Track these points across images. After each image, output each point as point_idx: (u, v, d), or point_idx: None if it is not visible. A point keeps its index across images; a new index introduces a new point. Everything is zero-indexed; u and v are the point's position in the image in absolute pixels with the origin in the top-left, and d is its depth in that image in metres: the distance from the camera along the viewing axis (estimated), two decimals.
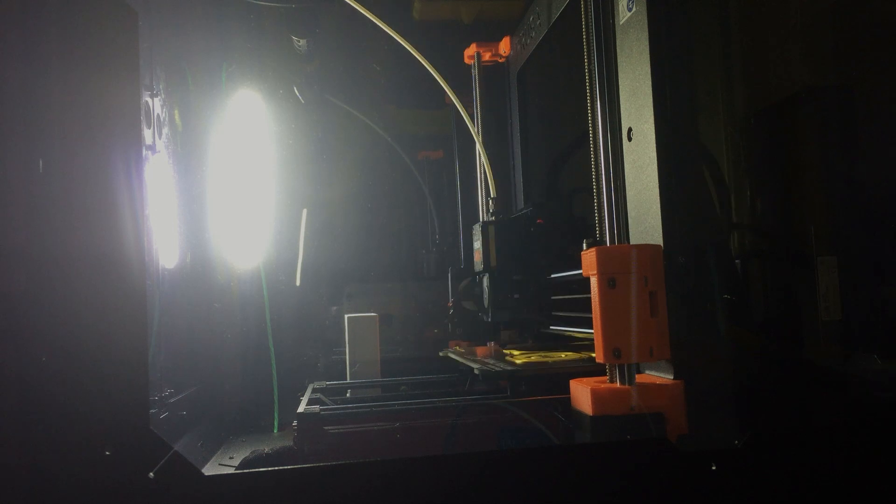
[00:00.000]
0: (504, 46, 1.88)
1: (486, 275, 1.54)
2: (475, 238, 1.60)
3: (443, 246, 2.11)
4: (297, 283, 1.89)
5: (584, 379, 0.98)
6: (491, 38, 1.89)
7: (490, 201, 1.61)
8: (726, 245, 1.19)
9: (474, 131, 1.65)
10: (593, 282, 0.94)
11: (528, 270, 1.51)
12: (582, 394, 0.94)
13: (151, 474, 0.73)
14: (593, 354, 1.29)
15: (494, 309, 1.52)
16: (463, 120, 1.57)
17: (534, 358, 1.27)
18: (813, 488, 0.82)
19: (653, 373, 0.99)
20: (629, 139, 1.02)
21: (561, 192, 1.68)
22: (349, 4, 1.35)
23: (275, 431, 1.45)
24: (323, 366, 1.68)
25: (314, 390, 1.26)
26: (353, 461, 0.77)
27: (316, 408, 1.05)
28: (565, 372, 1.13)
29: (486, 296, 1.55)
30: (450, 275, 1.82)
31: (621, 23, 1.04)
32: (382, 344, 1.51)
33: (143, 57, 1.17)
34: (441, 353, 1.63)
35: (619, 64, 1.04)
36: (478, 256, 1.58)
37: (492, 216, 1.59)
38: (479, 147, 1.67)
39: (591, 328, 0.96)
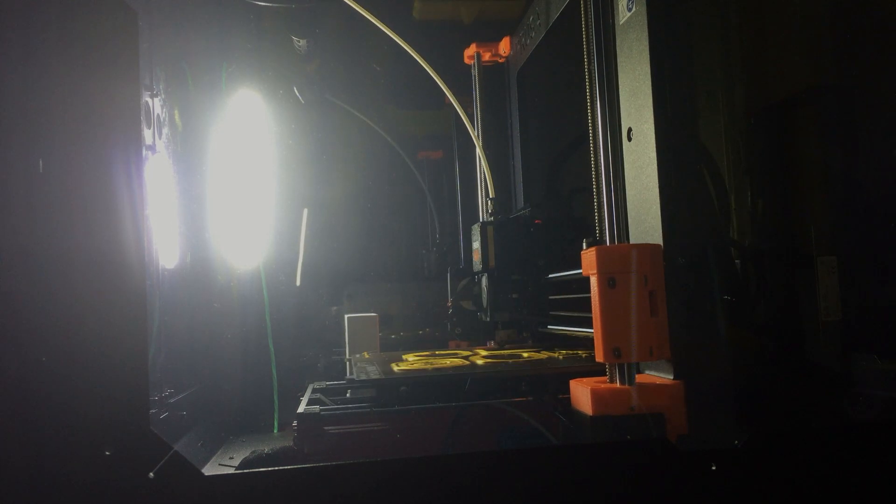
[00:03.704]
0: (504, 46, 1.88)
1: (485, 275, 1.56)
2: (474, 238, 1.62)
3: (443, 246, 2.11)
4: (298, 283, 1.89)
5: (584, 379, 0.98)
6: (491, 38, 1.88)
7: (489, 202, 1.64)
8: (726, 245, 1.19)
9: (474, 135, 1.66)
10: (593, 281, 0.94)
11: (527, 270, 1.54)
12: (582, 394, 0.94)
13: (151, 474, 0.73)
14: (472, 359, 1.31)
15: (493, 309, 1.54)
16: (462, 120, 1.57)
17: (416, 364, 1.25)
18: (813, 488, 0.82)
19: (653, 373, 0.99)
20: (629, 139, 1.02)
21: (561, 193, 1.68)
22: (349, 4, 1.35)
23: (275, 431, 1.45)
24: (323, 366, 1.68)
25: (314, 390, 1.26)
26: (353, 461, 0.77)
27: (316, 408, 1.05)
28: (435, 379, 1.13)
29: (484, 295, 1.57)
30: (449, 275, 1.84)
31: (621, 23, 1.04)
32: (382, 344, 1.51)
33: (143, 57, 1.18)
34: (337, 356, 1.61)
35: (619, 64, 1.04)
36: (476, 256, 1.60)
37: (490, 217, 1.62)
38: (478, 150, 1.68)
39: (589, 327, 0.95)
